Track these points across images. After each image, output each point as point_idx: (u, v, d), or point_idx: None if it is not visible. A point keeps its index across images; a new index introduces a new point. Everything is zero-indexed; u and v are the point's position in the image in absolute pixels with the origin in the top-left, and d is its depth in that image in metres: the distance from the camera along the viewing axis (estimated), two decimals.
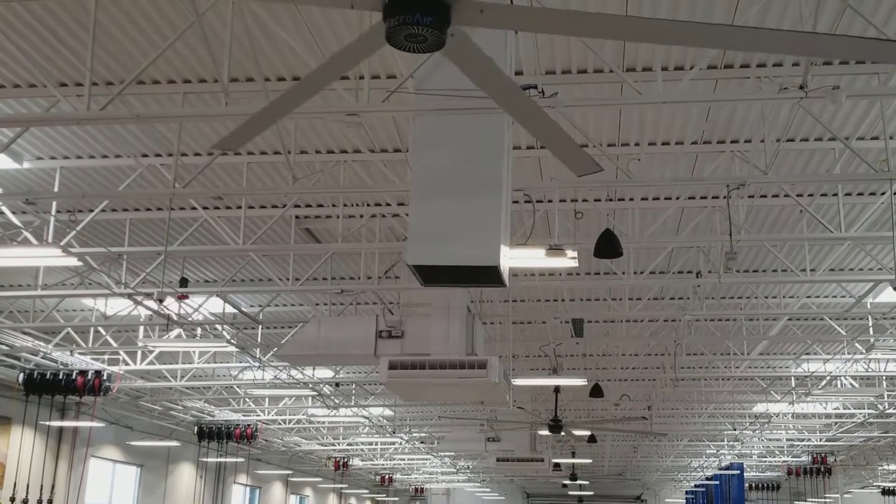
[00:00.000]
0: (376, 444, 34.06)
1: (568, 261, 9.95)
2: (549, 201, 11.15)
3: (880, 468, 37.37)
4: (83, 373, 17.86)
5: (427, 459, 37.29)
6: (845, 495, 41.01)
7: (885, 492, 37.46)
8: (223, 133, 10.12)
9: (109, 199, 11.71)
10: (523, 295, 16.38)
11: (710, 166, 10.78)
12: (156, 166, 10.92)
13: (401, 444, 31.69)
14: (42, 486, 21.62)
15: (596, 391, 19.00)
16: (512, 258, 9.34)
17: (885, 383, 21.53)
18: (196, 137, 10.31)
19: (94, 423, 21.74)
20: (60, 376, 17.80)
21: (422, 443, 31.98)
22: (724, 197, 10.37)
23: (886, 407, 23.90)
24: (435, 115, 6.43)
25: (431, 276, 6.37)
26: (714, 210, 12.00)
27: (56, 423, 21.80)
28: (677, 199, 11.71)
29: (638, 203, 11.99)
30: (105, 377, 17.94)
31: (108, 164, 10.95)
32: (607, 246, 9.91)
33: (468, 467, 40.28)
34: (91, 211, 11.52)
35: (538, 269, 13.95)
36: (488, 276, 6.30)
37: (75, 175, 11.38)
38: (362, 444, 33.70)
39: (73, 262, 11.14)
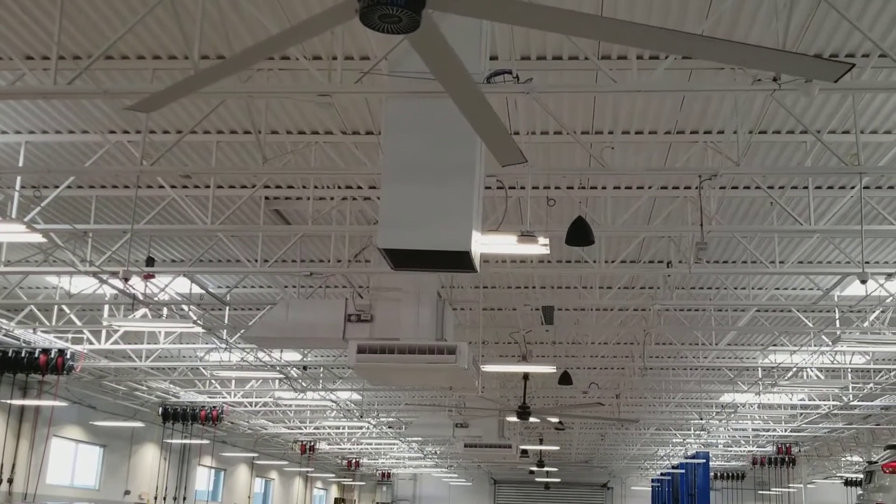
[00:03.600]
0: (343, 429, 34.03)
1: (539, 248, 9.92)
2: (522, 188, 11.11)
3: (843, 459, 37.87)
4: (46, 351, 17.65)
5: (394, 444, 37.30)
6: (809, 485, 41.50)
7: (848, 482, 37.93)
8: (193, 111, 9.98)
9: (75, 176, 11.51)
10: (494, 281, 16.36)
11: (682, 156, 10.78)
12: (123, 143, 10.75)
13: (368, 428, 31.67)
14: (2, 464, 21.38)
15: (564, 379, 19.04)
16: (483, 244, 9.28)
17: (850, 375, 21.76)
18: (165, 115, 10.15)
19: (57, 403, 21.52)
20: (23, 354, 17.58)
21: (389, 427, 31.97)
22: (696, 187, 10.38)
23: (851, 399, 24.18)
24: (408, 98, 6.36)
25: (402, 260, 6.32)
26: (686, 200, 12.02)
27: (17, 402, 21.55)
28: (650, 188, 11.71)
29: (610, 191, 11.98)
30: (68, 356, 17.74)
31: (75, 139, 10.76)
32: (579, 234, 9.90)
33: (435, 453, 40.36)
34: (56, 187, 11.34)
35: (509, 256, 13.92)
36: (459, 261, 6.26)
37: (40, 150, 11.17)
38: (329, 427, 33.65)
39: (37, 238, 10.96)
